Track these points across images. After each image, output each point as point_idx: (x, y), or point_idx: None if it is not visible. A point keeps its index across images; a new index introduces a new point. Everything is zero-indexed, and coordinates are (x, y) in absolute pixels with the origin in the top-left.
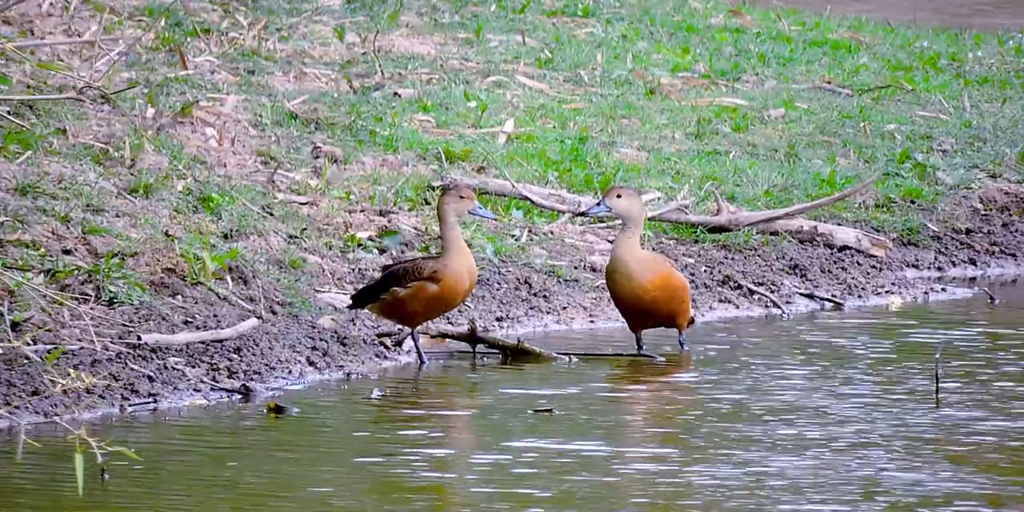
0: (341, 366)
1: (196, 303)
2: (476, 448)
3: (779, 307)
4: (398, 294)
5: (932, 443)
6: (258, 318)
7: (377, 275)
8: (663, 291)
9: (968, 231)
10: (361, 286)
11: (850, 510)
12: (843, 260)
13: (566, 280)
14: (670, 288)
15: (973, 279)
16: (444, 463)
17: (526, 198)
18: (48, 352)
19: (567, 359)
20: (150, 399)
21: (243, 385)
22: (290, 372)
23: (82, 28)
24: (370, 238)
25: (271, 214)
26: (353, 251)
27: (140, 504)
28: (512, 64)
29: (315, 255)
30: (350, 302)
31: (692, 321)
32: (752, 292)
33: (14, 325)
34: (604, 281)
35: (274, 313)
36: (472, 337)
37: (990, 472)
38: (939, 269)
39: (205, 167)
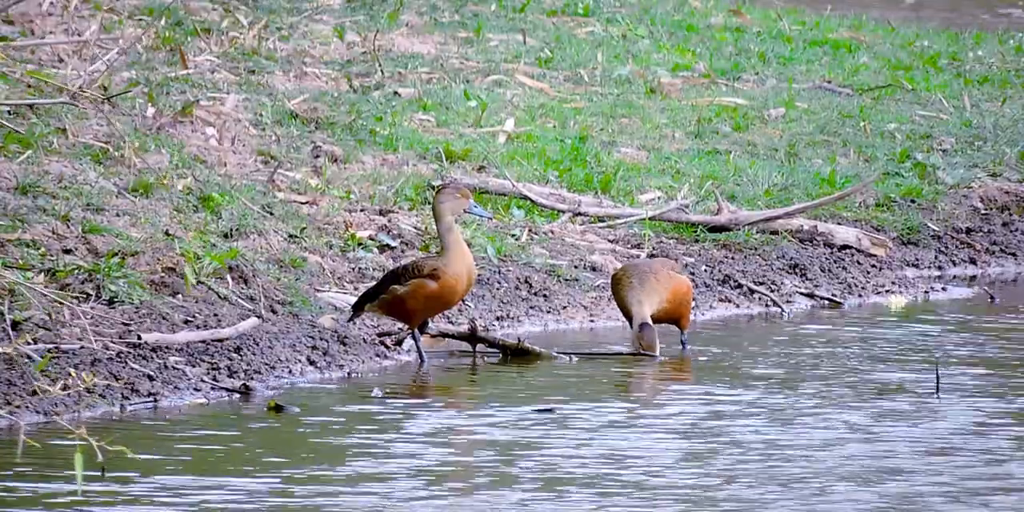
0: (341, 365)
1: (196, 302)
2: (476, 447)
3: (779, 306)
4: (397, 291)
5: (932, 443)
6: (258, 317)
7: (378, 275)
8: (672, 302)
9: (968, 230)
10: (361, 292)
11: (849, 509)
12: (843, 259)
13: (566, 279)
14: (679, 294)
15: (973, 278)
16: (444, 462)
17: (526, 197)
18: (47, 351)
19: (567, 358)
20: (150, 398)
21: (243, 384)
22: (290, 371)
23: (82, 27)
24: (370, 237)
25: (271, 213)
26: (353, 250)
27: (140, 502)
28: (512, 63)
29: (315, 254)
30: (351, 313)
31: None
32: (752, 291)
33: (14, 325)
34: (608, 282)
35: (274, 312)
36: (472, 336)
37: (990, 472)
38: (939, 268)
39: (205, 166)
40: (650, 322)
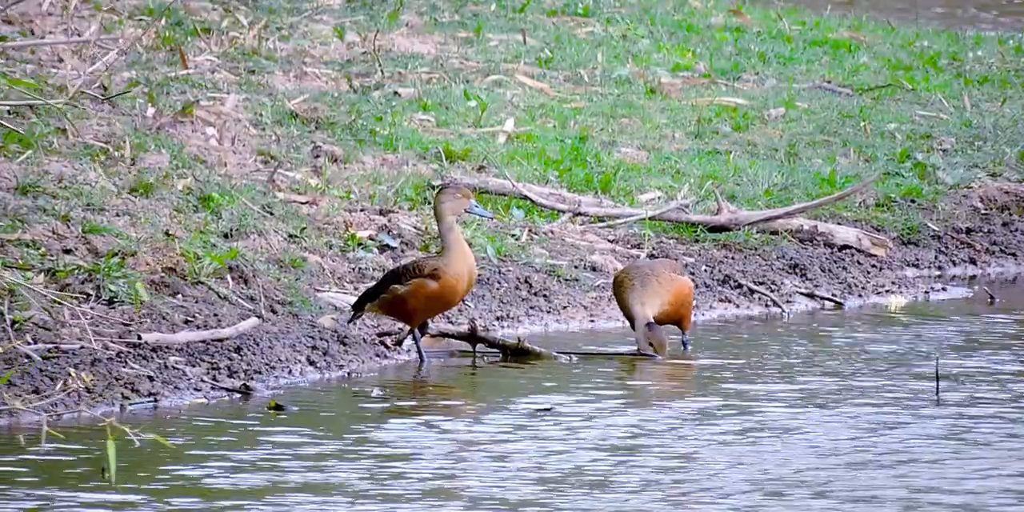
0: (341, 365)
1: (196, 302)
2: (476, 447)
3: (779, 306)
4: (398, 291)
5: (932, 443)
6: (258, 317)
7: (378, 275)
8: (674, 303)
9: (968, 230)
10: (361, 292)
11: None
12: (843, 259)
13: (566, 279)
14: (681, 296)
15: (973, 278)
16: (443, 462)
17: (526, 197)
18: (47, 351)
19: (567, 358)
20: (150, 398)
21: (243, 384)
22: (290, 371)
23: (82, 27)
24: (370, 237)
25: (271, 213)
26: (353, 250)
27: (140, 502)
28: (512, 63)
29: (315, 254)
30: (352, 312)
31: None
32: (752, 291)
33: (14, 324)
34: (609, 282)
35: (274, 312)
36: (472, 336)
37: (990, 471)
38: (939, 268)
39: (205, 166)
40: (653, 321)
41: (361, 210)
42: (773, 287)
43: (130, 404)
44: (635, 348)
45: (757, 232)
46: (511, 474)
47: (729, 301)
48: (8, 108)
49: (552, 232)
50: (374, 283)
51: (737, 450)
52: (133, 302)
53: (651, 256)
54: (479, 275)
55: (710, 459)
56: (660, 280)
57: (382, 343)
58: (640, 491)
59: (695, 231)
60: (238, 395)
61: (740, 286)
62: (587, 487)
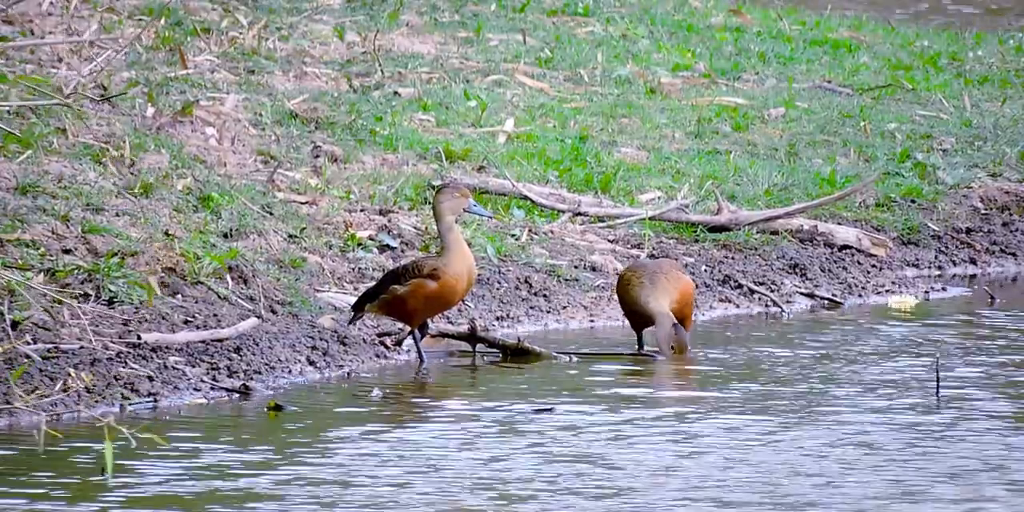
0: (341, 365)
1: (196, 302)
2: (475, 447)
3: (779, 306)
4: (397, 291)
5: (933, 443)
6: (258, 317)
7: (378, 275)
8: (680, 302)
9: (968, 230)
10: (361, 292)
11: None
12: (843, 259)
13: (566, 279)
14: (686, 295)
15: (973, 277)
16: (443, 462)
17: (526, 197)
18: (47, 351)
19: (567, 358)
20: (150, 398)
21: (243, 384)
22: (290, 371)
23: (82, 27)
24: (370, 237)
25: (271, 213)
26: (353, 250)
27: (140, 503)
28: (512, 63)
29: (315, 254)
30: (351, 314)
31: None
32: (752, 291)
33: (14, 324)
34: (610, 282)
35: (274, 312)
36: (472, 336)
37: (989, 472)
38: (939, 268)
39: (205, 166)
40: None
41: (361, 210)
42: (773, 287)
43: (130, 404)
44: (635, 348)
45: (757, 232)
46: (501, 477)
47: (729, 301)
48: (8, 108)
49: (552, 232)
50: (374, 283)
51: (734, 453)
52: (134, 302)
53: (651, 256)
54: (479, 275)
55: (708, 462)
56: (668, 277)
57: (382, 343)
58: (617, 496)
59: (695, 231)
60: (238, 395)
61: (740, 286)
62: (572, 493)
